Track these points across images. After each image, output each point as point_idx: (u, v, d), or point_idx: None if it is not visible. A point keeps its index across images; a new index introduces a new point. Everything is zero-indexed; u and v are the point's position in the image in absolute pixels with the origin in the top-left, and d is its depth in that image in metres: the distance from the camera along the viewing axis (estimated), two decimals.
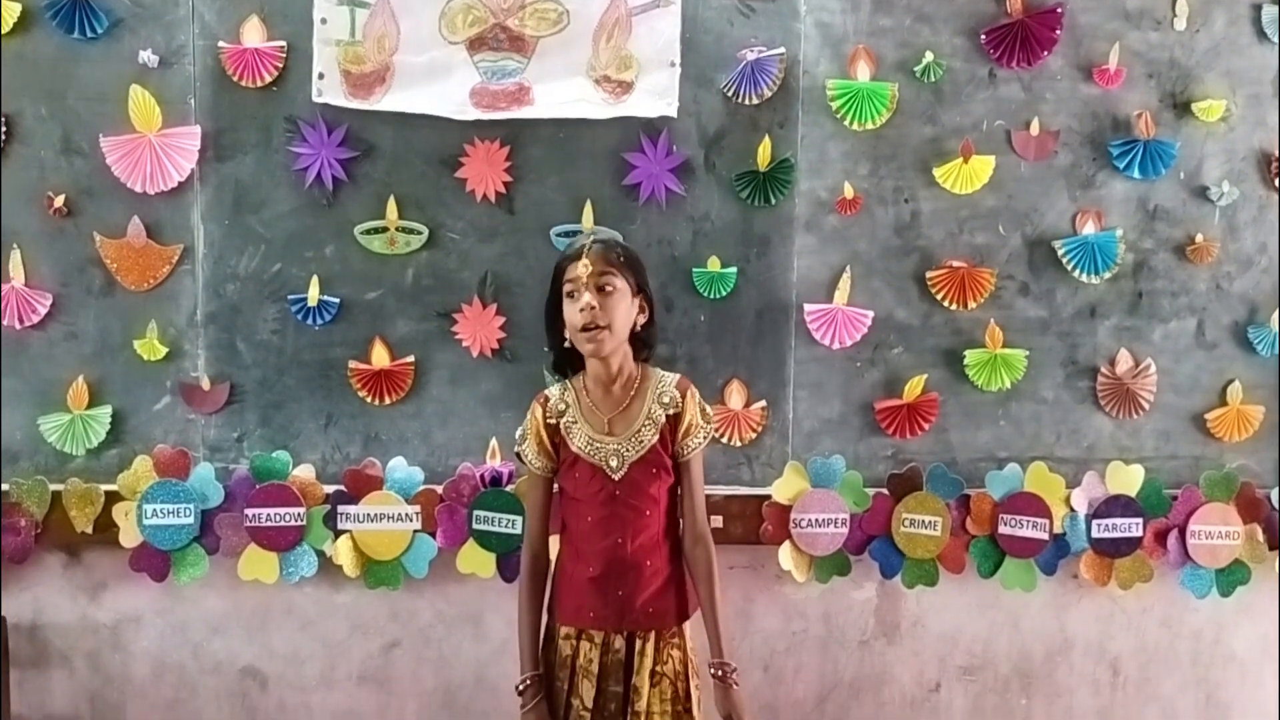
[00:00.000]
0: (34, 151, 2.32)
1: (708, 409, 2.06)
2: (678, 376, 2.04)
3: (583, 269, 1.90)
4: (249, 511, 2.33)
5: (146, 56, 2.29)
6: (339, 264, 2.37)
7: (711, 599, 2.01)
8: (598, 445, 1.97)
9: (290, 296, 2.36)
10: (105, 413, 2.36)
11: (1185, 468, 2.55)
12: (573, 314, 1.92)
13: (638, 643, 1.98)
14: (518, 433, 2.08)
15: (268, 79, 2.31)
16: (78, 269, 2.34)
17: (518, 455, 2.08)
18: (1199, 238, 2.49)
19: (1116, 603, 2.57)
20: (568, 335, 1.96)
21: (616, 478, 1.95)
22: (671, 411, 1.99)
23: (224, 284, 2.36)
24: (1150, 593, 2.54)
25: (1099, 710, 2.62)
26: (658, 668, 1.99)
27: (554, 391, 2.04)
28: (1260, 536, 2.53)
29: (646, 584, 1.98)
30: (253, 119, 2.33)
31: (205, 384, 2.38)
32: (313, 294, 2.36)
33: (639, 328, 1.99)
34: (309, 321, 2.37)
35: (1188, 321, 2.52)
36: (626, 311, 1.94)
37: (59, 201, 2.31)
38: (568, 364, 2.04)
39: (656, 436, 1.98)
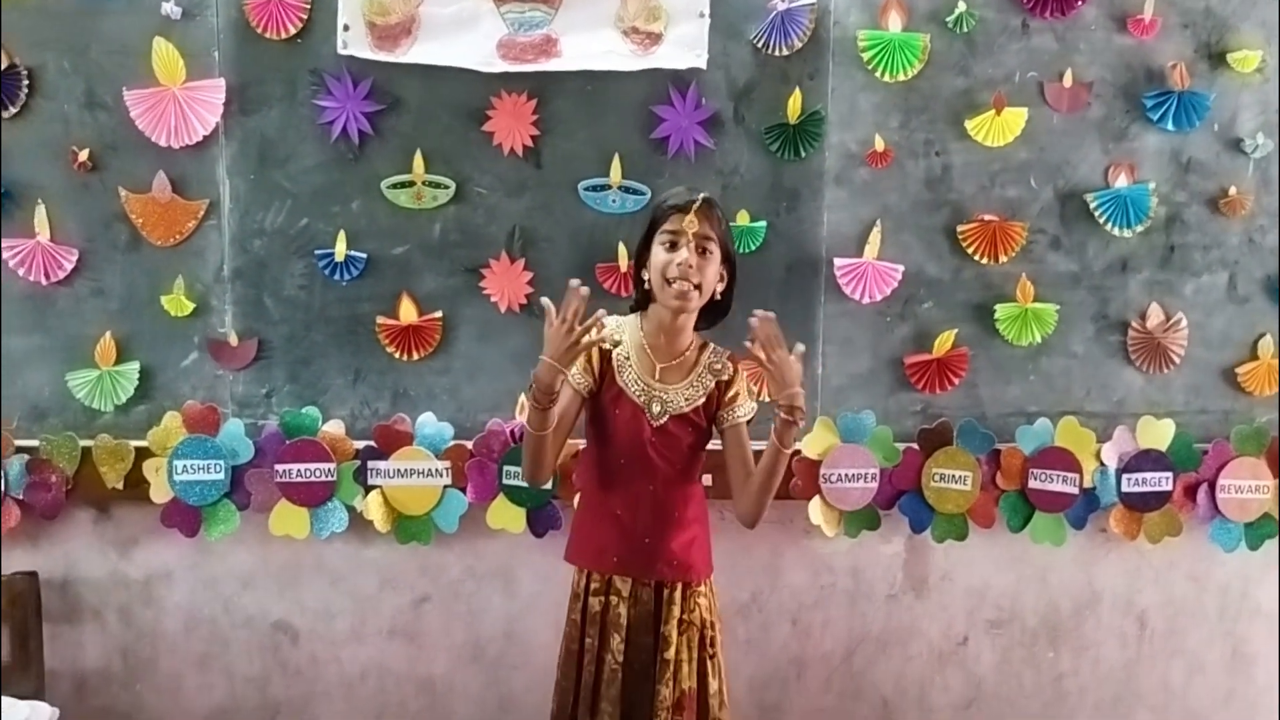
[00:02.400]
0: (57, 106, 2.29)
1: (754, 389, 2.06)
2: (729, 350, 2.04)
3: (688, 225, 1.91)
4: (279, 467, 2.33)
5: (169, 8, 2.25)
6: (366, 219, 2.35)
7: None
8: (645, 387, 1.98)
9: (317, 251, 2.34)
10: (133, 369, 2.36)
11: (1215, 422, 2.54)
12: (667, 264, 1.91)
13: (665, 592, 2.00)
14: None
15: (292, 31, 2.28)
16: (103, 224, 2.32)
17: None
18: (1232, 191, 2.46)
19: (1144, 557, 2.58)
20: (647, 278, 1.96)
21: (655, 424, 1.96)
22: (724, 378, 2.01)
23: (250, 239, 2.34)
24: (1178, 547, 2.54)
25: (1125, 663, 2.63)
26: (685, 616, 2.01)
27: (610, 321, 1.98)
28: None
29: (676, 533, 2.00)
30: (277, 71, 2.30)
31: (233, 340, 2.37)
32: (340, 249, 2.34)
33: (717, 295, 1.99)
34: (336, 277, 2.35)
35: (1219, 275, 2.50)
36: (714, 276, 1.95)
37: (83, 156, 2.29)
38: (639, 303, 2.05)
39: (704, 399, 1.99)
